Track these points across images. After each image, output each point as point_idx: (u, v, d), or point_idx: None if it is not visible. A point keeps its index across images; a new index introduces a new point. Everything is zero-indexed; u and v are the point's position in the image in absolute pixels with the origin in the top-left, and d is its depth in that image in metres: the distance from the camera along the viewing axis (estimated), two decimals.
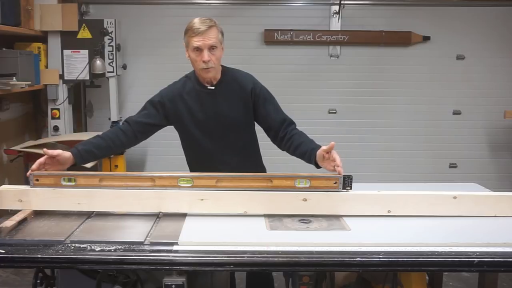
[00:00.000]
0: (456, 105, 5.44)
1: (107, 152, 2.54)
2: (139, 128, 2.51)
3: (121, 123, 2.52)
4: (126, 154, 4.84)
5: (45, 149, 2.20)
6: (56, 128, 4.76)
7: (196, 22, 2.39)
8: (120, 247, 1.80)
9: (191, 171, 2.65)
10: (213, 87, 2.51)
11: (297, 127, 2.60)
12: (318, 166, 2.40)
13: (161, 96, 2.55)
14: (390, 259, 1.76)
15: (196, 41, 2.37)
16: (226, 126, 2.53)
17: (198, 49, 2.39)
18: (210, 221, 2.05)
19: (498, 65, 5.36)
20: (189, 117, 2.53)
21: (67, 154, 2.25)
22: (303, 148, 2.47)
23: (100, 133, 2.54)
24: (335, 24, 5.30)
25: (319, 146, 2.40)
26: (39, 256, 1.77)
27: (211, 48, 2.39)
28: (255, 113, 2.58)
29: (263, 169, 2.76)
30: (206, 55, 2.38)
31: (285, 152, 2.66)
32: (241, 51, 5.09)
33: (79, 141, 4.46)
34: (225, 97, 2.52)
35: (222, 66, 2.55)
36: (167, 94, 2.55)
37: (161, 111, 2.53)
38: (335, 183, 2.14)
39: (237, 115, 2.54)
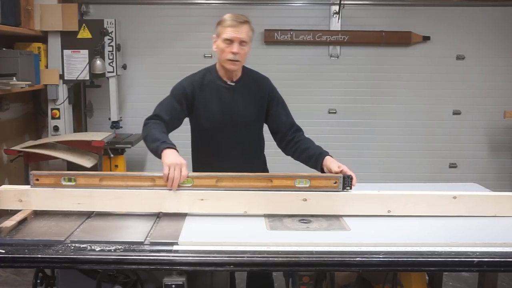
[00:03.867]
0: (456, 105, 5.44)
1: None
2: (172, 126, 2.52)
3: (151, 118, 2.50)
4: (126, 154, 4.84)
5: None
6: (56, 128, 4.75)
7: (232, 15, 2.49)
8: (120, 247, 1.80)
9: (194, 163, 2.69)
10: (233, 83, 2.57)
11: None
12: (322, 171, 2.42)
13: (183, 87, 2.56)
14: (390, 259, 1.76)
15: (229, 32, 2.44)
16: (238, 123, 2.58)
17: (229, 41, 2.45)
18: (210, 221, 2.05)
19: (498, 65, 5.37)
20: (204, 108, 2.56)
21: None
22: (310, 152, 2.53)
23: (155, 123, 2.44)
24: (335, 24, 5.30)
25: (327, 152, 2.47)
26: (39, 256, 1.76)
27: (241, 42, 2.47)
28: (267, 114, 2.65)
29: (266, 170, 2.79)
30: (236, 47, 2.45)
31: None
32: None
33: (79, 141, 4.51)
34: (243, 95, 2.58)
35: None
36: (188, 86, 2.56)
37: (184, 103, 2.54)
38: (335, 183, 2.14)
39: (251, 114, 2.60)
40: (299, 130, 2.65)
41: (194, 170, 2.70)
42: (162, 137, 2.30)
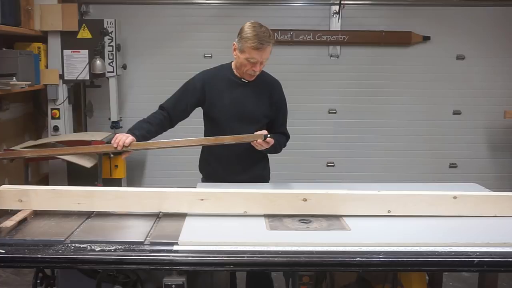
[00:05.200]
0: (456, 105, 5.43)
1: (154, 136, 2.66)
2: (179, 118, 2.74)
3: (158, 108, 2.75)
4: None
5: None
6: (56, 128, 4.75)
7: (258, 33, 2.50)
8: (120, 247, 1.80)
9: (202, 149, 2.86)
10: (246, 81, 2.67)
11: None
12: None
13: (194, 82, 2.71)
14: (390, 259, 1.77)
15: (254, 55, 2.52)
16: (246, 117, 2.67)
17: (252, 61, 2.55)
18: (210, 221, 2.05)
19: (498, 65, 5.36)
20: (215, 100, 2.67)
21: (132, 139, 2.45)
22: None
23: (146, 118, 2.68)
24: (335, 24, 5.30)
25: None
26: (39, 256, 1.77)
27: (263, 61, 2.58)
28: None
29: (268, 167, 2.88)
30: (258, 67, 2.59)
31: (286, 153, 2.77)
32: None
33: (79, 141, 4.51)
34: (255, 93, 2.69)
35: None
36: (198, 80, 2.71)
37: (192, 97, 2.68)
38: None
39: (260, 113, 2.70)
40: (285, 135, 2.80)
41: (202, 156, 2.88)
42: (134, 126, 2.57)
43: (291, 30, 5.25)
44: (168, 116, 2.68)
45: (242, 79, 2.67)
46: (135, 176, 5.41)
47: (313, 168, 5.38)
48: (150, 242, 1.84)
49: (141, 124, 2.59)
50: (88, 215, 2.11)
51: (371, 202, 2.11)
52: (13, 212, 2.08)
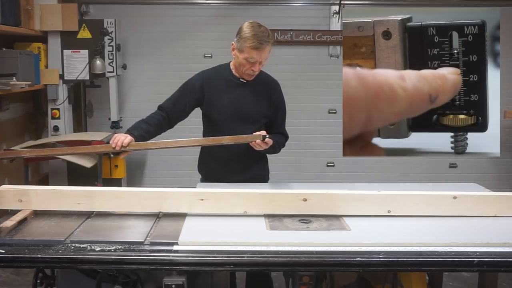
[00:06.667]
0: None
1: (152, 137, 2.67)
2: (177, 119, 2.74)
3: (157, 108, 2.76)
4: None
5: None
6: (56, 128, 4.75)
7: (257, 33, 2.50)
8: (120, 247, 1.80)
9: (201, 150, 2.87)
10: (244, 81, 2.67)
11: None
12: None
13: (192, 82, 2.72)
14: (390, 259, 1.77)
15: (253, 55, 2.52)
16: (245, 117, 2.67)
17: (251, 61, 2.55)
18: (210, 221, 2.05)
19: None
20: (214, 100, 2.67)
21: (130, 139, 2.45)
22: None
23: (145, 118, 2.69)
24: (335, 24, 5.30)
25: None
26: (39, 256, 1.77)
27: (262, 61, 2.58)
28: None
29: (267, 168, 2.88)
30: (257, 67, 2.59)
31: (285, 153, 2.72)
32: None
33: (79, 141, 4.51)
34: (253, 93, 2.69)
35: None
36: (197, 80, 2.72)
37: (191, 97, 2.69)
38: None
39: (259, 113, 2.70)
40: (284, 135, 2.81)
41: (200, 156, 2.88)
42: (133, 126, 2.58)
43: (291, 30, 5.25)
44: (167, 116, 2.68)
45: (241, 79, 2.67)
46: (135, 176, 5.41)
47: (313, 168, 5.38)
48: (150, 242, 1.84)
49: (140, 125, 2.60)
50: (88, 215, 2.11)
51: (371, 202, 2.11)
52: (13, 212, 2.08)
